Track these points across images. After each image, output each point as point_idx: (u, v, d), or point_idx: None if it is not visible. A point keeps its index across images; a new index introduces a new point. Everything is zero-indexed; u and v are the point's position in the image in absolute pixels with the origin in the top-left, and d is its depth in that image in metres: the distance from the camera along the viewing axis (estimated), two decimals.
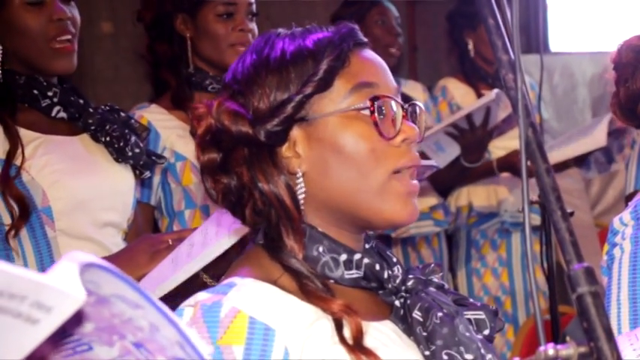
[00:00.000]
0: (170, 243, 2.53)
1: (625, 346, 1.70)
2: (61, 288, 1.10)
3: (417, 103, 1.78)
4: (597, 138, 4.33)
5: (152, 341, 1.28)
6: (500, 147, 4.67)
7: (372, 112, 1.68)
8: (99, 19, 5.12)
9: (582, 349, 1.26)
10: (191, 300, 1.65)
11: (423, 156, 4.25)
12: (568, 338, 1.27)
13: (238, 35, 3.21)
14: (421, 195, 4.66)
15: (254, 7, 3.26)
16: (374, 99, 1.69)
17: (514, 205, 4.69)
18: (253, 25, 3.25)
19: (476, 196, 4.81)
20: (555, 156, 4.32)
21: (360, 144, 1.68)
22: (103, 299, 1.22)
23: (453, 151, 4.44)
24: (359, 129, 1.69)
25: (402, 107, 1.72)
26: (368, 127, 1.69)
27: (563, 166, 4.56)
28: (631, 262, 2.07)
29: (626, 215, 2.11)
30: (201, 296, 1.64)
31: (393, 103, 1.70)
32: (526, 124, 1.34)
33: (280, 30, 1.78)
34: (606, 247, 2.14)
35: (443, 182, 4.66)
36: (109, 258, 2.62)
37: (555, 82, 6.26)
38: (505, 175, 4.71)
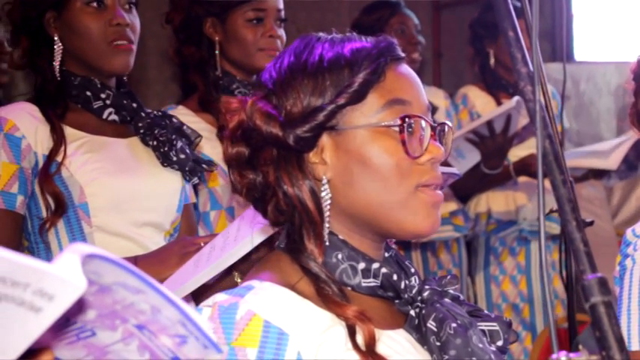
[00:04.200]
0: (202, 245, 2.54)
1: None
2: (63, 276, 1.12)
3: (447, 123, 1.78)
4: (611, 161, 4.35)
5: (154, 322, 1.31)
6: (519, 154, 4.67)
7: (402, 131, 1.69)
8: None
9: (594, 358, 1.27)
10: (209, 300, 1.67)
11: (445, 163, 4.26)
12: (580, 347, 1.27)
13: (267, 41, 3.23)
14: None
15: (283, 13, 3.28)
16: (404, 117, 1.69)
17: (533, 213, 4.69)
18: (282, 31, 3.27)
19: (495, 202, 4.81)
20: (577, 164, 4.33)
21: (387, 159, 1.69)
22: (105, 288, 1.25)
23: (473, 157, 4.45)
24: (387, 144, 1.70)
25: (432, 127, 1.73)
26: (396, 143, 1.69)
27: (582, 177, 4.58)
28: None
29: (639, 227, 2.12)
30: (220, 297, 1.65)
31: (423, 122, 1.71)
32: (543, 136, 1.35)
33: (321, 34, 1.78)
34: (619, 258, 2.15)
35: (463, 188, 4.66)
36: (142, 257, 2.67)
37: (582, 90, 6.25)
38: (524, 181, 4.71)
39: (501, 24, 1.41)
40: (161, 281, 2.50)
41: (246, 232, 2.22)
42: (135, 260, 2.61)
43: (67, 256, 1.16)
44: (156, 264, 2.58)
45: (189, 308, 1.32)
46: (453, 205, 4.81)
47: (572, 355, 1.29)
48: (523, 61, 1.39)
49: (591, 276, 1.29)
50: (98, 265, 1.21)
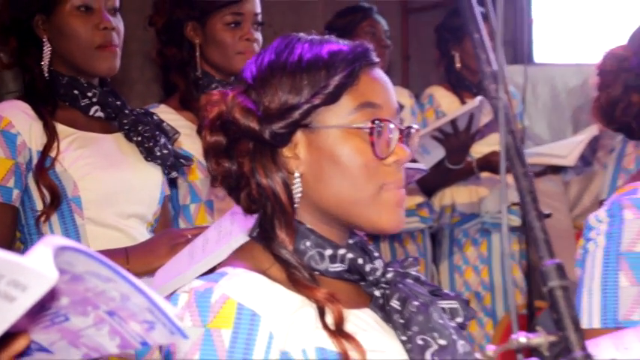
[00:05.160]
0: (189, 237, 2.57)
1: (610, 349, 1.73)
2: (36, 268, 1.14)
3: (414, 126, 1.81)
4: (569, 159, 4.39)
5: (123, 309, 1.32)
6: (481, 151, 4.70)
7: (372, 133, 1.71)
8: None
9: (552, 338, 1.29)
10: (186, 287, 1.69)
11: (411, 159, 4.29)
12: (539, 328, 1.29)
13: (245, 44, 3.24)
14: (408, 194, 4.68)
15: (260, 17, 3.29)
16: (374, 121, 1.71)
17: (494, 206, 4.72)
18: (258, 35, 3.28)
19: (459, 196, 4.85)
20: (536, 161, 4.36)
21: (356, 158, 1.71)
22: (77, 276, 1.27)
23: (438, 153, 4.48)
24: (356, 145, 1.72)
25: (400, 130, 1.75)
26: (365, 144, 1.72)
27: (541, 172, 4.62)
28: (604, 256, 2.10)
29: (602, 213, 2.14)
30: (196, 283, 1.68)
31: (391, 126, 1.73)
32: (506, 131, 1.37)
33: (301, 35, 1.79)
34: (582, 242, 2.17)
35: (428, 183, 4.68)
36: (132, 248, 2.69)
37: (539, 92, 6.28)
38: (486, 176, 4.75)
39: (467, 27, 1.43)
40: (152, 270, 2.53)
41: (235, 229, 2.24)
42: (125, 251, 2.63)
43: (40, 249, 1.18)
44: (146, 255, 2.61)
45: (157, 296, 1.33)
46: (418, 199, 4.85)
47: (531, 335, 1.30)
48: (487, 62, 1.41)
49: (549, 262, 1.31)
50: (70, 256, 1.23)
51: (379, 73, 1.78)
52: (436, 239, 5.03)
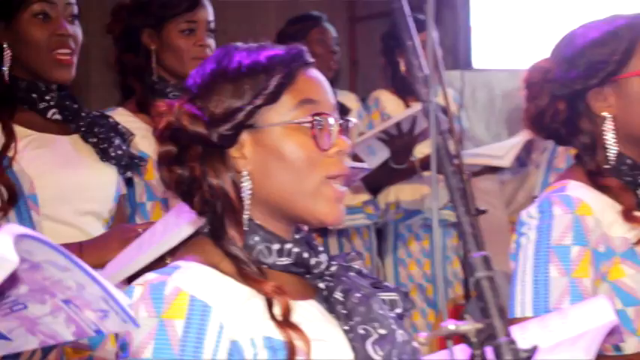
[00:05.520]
0: (140, 232, 2.57)
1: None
2: None
3: (351, 119, 1.82)
4: (505, 160, 4.43)
5: (79, 298, 1.33)
6: (423, 151, 4.72)
7: (312, 127, 1.72)
8: None
9: (478, 326, 1.31)
10: (141, 279, 1.69)
11: (357, 158, 4.32)
12: (467, 316, 1.30)
13: (198, 50, 3.23)
14: (354, 192, 4.73)
15: (213, 24, 3.28)
16: (314, 115, 1.73)
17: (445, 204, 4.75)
18: (212, 41, 3.27)
19: (402, 193, 4.88)
20: (468, 161, 4.39)
21: (299, 152, 1.72)
22: (36, 265, 1.27)
23: (383, 154, 4.49)
24: (299, 139, 1.73)
25: (339, 123, 1.76)
26: (307, 138, 1.73)
27: (479, 172, 4.66)
28: (535, 249, 2.12)
29: (533, 209, 2.16)
30: (150, 276, 1.68)
31: (330, 119, 1.74)
32: (437, 133, 1.38)
33: (238, 44, 1.80)
34: (515, 237, 2.19)
35: (374, 181, 4.69)
36: (86, 242, 2.68)
37: (477, 96, 6.32)
38: (428, 175, 4.77)
39: (402, 35, 1.44)
40: (104, 263, 2.53)
41: (181, 222, 2.25)
42: (80, 246, 2.63)
43: (1, 236, 1.17)
44: (99, 248, 2.61)
45: (110, 286, 1.34)
46: (365, 196, 4.87)
47: (459, 323, 1.32)
48: (419, 67, 1.42)
49: (476, 254, 1.33)
50: (29, 245, 1.23)
51: (315, 72, 1.79)
52: (381, 234, 5.06)
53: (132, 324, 1.38)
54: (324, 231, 4.73)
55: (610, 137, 2.18)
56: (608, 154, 2.18)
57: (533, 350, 1.31)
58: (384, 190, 4.95)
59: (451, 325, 1.32)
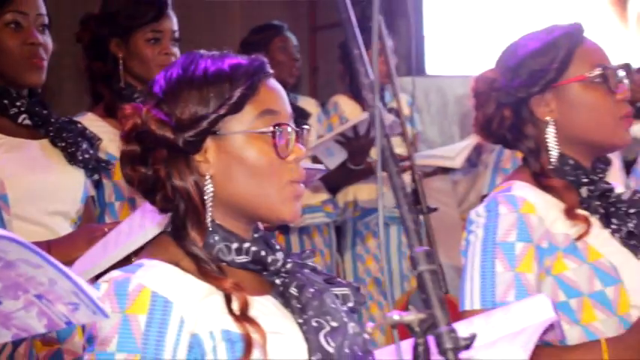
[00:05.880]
0: (106, 231, 2.57)
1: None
2: None
3: (306, 127, 1.83)
4: (457, 161, 4.46)
5: (51, 292, 1.33)
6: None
7: (273, 137, 1.73)
8: None
9: (421, 316, 1.32)
10: (106, 277, 1.69)
11: (317, 160, 4.33)
12: (411, 307, 1.31)
13: (164, 58, 3.22)
14: (314, 192, 4.74)
15: (177, 34, 3.28)
16: (275, 125, 1.74)
17: (392, 201, 4.75)
18: (176, 50, 3.27)
19: (360, 193, 4.90)
20: (421, 162, 4.41)
21: (260, 159, 1.73)
22: (10, 263, 1.27)
23: (341, 155, 4.50)
24: (260, 147, 1.73)
25: (296, 132, 1.77)
26: (267, 146, 1.73)
27: (432, 172, 4.68)
28: (482, 246, 2.13)
29: (481, 208, 2.18)
30: (114, 274, 1.68)
31: (289, 129, 1.75)
32: (381, 135, 1.39)
33: (202, 51, 1.80)
34: (464, 235, 2.21)
35: (332, 181, 4.71)
36: (54, 241, 2.68)
37: (431, 100, 6.35)
38: (384, 175, 4.78)
39: (348, 44, 1.45)
40: (71, 261, 2.52)
41: (146, 222, 2.24)
42: (48, 244, 2.62)
43: None
44: (67, 247, 2.61)
45: (81, 280, 1.34)
46: (324, 196, 4.87)
47: (403, 313, 1.33)
48: (365, 74, 1.43)
49: (419, 249, 1.34)
50: (4, 244, 1.23)
51: (274, 82, 1.80)
52: (340, 232, 5.09)
53: (101, 315, 1.39)
54: (286, 229, 4.74)
55: (552, 140, 2.19)
56: (551, 156, 2.19)
57: (472, 338, 1.32)
58: (343, 189, 4.95)
59: (396, 316, 1.32)
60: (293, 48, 4.98)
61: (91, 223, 2.85)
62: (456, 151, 4.57)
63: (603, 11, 6.79)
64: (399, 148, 4.46)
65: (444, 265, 3.37)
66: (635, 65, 2.40)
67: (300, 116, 4.47)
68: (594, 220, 2.17)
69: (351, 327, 1.73)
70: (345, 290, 1.80)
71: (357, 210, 4.92)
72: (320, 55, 6.48)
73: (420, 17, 6.59)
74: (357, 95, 5.01)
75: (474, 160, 4.83)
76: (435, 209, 3.20)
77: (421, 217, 3.18)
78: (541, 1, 6.57)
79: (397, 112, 3.16)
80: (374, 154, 4.63)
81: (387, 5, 3.03)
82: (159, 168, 1.73)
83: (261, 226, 1.85)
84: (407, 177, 3.39)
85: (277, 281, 1.78)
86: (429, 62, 6.71)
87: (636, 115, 6.96)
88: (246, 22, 5.54)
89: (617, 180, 2.92)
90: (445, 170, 4.82)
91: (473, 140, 4.58)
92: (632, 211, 2.18)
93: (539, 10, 6.46)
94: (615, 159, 2.83)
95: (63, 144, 2.85)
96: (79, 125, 2.93)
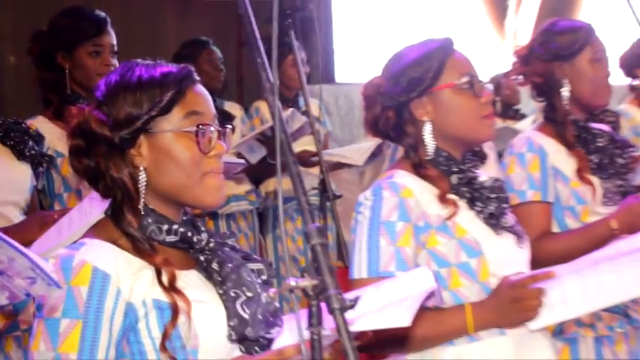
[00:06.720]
0: (56, 217, 2.59)
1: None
2: None
3: (229, 127, 1.84)
4: (359, 160, 4.50)
5: (10, 269, 1.35)
6: (295, 150, 4.76)
7: (197, 135, 1.74)
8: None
9: (314, 282, 1.35)
10: (53, 253, 1.70)
11: (241, 156, 4.35)
12: (305, 274, 1.35)
13: (104, 69, 3.20)
14: (239, 183, 4.76)
15: (115, 47, 3.27)
16: (199, 125, 1.75)
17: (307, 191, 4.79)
18: (115, 61, 3.25)
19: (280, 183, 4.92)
20: (329, 158, 4.44)
21: (186, 154, 1.74)
22: None
23: (261, 152, 4.50)
24: (186, 144, 1.75)
25: (219, 131, 1.78)
26: (192, 143, 1.74)
27: (340, 165, 4.72)
28: (369, 224, 2.16)
29: (368, 193, 2.20)
30: (61, 251, 1.70)
31: (212, 128, 1.76)
32: (280, 131, 1.42)
33: (139, 60, 1.80)
34: (354, 215, 2.24)
35: (255, 174, 4.76)
36: (10, 227, 2.70)
37: (340, 105, 6.39)
38: (300, 168, 4.81)
39: (252, 53, 1.46)
40: (27, 244, 2.52)
41: (94, 209, 2.25)
42: (5, 230, 2.61)
43: None
44: (21, 232, 2.61)
45: (36, 257, 1.36)
46: (248, 186, 4.92)
47: (299, 280, 1.37)
48: (267, 80, 1.46)
49: (312, 226, 1.38)
50: None
51: (201, 88, 1.80)
52: (262, 217, 5.12)
53: (55, 286, 1.41)
54: (214, 215, 4.75)
55: (429, 137, 2.23)
56: (427, 149, 2.23)
57: (356, 300, 1.35)
58: (264, 181, 5.02)
59: (292, 282, 1.36)
60: (218, 60, 5.01)
61: (42, 211, 2.86)
62: (360, 152, 4.60)
63: (484, 27, 6.92)
64: (310, 146, 4.51)
65: (347, 242, 3.41)
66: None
67: (225, 118, 4.48)
68: (462, 204, 2.21)
69: (264, 297, 1.76)
70: (260, 265, 1.83)
71: (277, 198, 4.96)
72: (245, 66, 6.48)
73: (330, 31, 6.64)
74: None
75: (376, 154, 4.88)
76: (340, 196, 3.24)
77: (328, 204, 3.21)
78: (434, 20, 6.66)
79: (308, 115, 3.20)
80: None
81: (301, 23, 3.09)
82: (100, 160, 1.74)
83: (190, 211, 1.87)
84: (316, 170, 3.42)
85: (201, 258, 1.80)
86: (339, 72, 6.75)
87: (513, 116, 7.02)
88: (181, 36, 5.52)
89: (492, 171, 2.97)
90: (350, 165, 4.85)
91: (375, 142, 4.62)
92: (492, 196, 2.23)
93: (433, 28, 6.56)
94: (491, 152, 2.88)
95: (11, 142, 2.86)
96: (24, 126, 2.94)
